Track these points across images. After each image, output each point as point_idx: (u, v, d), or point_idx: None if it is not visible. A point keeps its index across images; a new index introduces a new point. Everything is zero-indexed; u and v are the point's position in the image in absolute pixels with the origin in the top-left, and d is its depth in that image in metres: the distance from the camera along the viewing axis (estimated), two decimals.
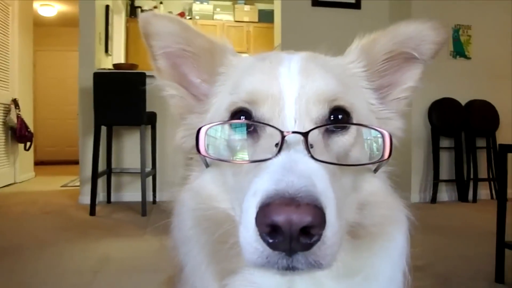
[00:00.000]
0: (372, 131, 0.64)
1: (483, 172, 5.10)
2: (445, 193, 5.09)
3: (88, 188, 4.51)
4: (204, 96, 0.75)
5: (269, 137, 0.60)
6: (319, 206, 0.49)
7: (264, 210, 0.49)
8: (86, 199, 4.54)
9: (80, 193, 4.83)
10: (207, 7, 8.76)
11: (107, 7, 5.76)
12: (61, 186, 6.03)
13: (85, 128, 4.77)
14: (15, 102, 6.12)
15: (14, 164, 6.27)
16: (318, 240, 0.49)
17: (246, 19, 8.74)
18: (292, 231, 0.48)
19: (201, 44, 0.75)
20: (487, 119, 5.07)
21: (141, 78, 4.17)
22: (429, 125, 5.00)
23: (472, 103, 5.07)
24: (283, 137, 0.57)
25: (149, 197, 4.60)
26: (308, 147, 0.56)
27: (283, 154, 0.55)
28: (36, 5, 8.00)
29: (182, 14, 8.79)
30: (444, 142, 5.07)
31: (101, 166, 4.50)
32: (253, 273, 0.64)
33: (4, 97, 5.93)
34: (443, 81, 4.77)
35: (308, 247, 0.49)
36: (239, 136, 0.64)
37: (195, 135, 0.64)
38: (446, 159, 5.10)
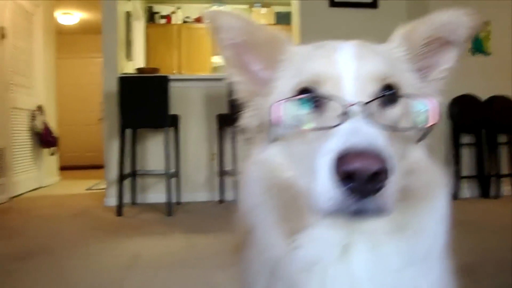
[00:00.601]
0: (419, 104, 0.75)
1: (504, 168, 5.09)
2: (467, 190, 5.08)
3: (113, 190, 4.63)
4: (265, 81, 0.84)
5: (333, 110, 0.69)
6: (384, 158, 0.59)
7: (341, 160, 0.59)
8: (111, 201, 4.66)
9: (106, 195, 4.93)
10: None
11: (127, 13, 5.89)
12: (86, 189, 6.16)
13: (109, 132, 4.89)
14: (40, 108, 6.28)
15: (40, 169, 6.43)
16: (384, 186, 0.59)
17: (263, 21, 8.82)
18: (364, 176, 0.58)
19: (262, 36, 0.84)
20: (507, 114, 5.06)
21: (164, 81, 4.28)
22: (449, 122, 5.02)
23: (492, 99, 5.06)
24: (346, 108, 0.67)
25: (173, 198, 4.69)
26: (368, 116, 0.66)
27: (347, 122, 0.65)
28: (56, 14, 8.18)
29: (199, 19, 8.91)
30: (465, 139, 5.07)
31: (126, 169, 4.61)
32: (318, 229, 0.73)
33: (29, 103, 6.09)
34: (463, 78, 4.76)
35: (376, 191, 0.59)
36: (306, 110, 0.73)
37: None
38: (467, 156, 5.10)
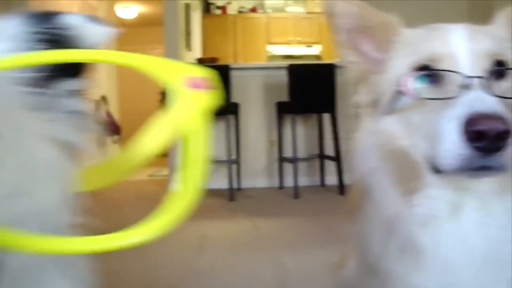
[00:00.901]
0: None
1: None
2: None
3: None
4: (377, 61, 0.92)
5: (451, 83, 0.78)
6: (508, 120, 0.68)
7: (470, 122, 0.69)
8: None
9: (170, 181, 5.12)
10: (279, 1, 8.91)
11: (186, 5, 6.05)
12: (149, 176, 6.41)
13: None
14: (104, 98, 6.58)
15: (105, 157, 6.72)
16: (507, 145, 0.68)
17: (317, 10, 8.79)
18: (492, 135, 0.67)
19: (375, 20, 0.92)
20: None
21: (226, 70, 4.39)
22: None
23: None
24: (466, 80, 0.75)
25: (234, 184, 4.81)
26: (485, 88, 0.74)
27: (469, 93, 0.74)
28: (115, 8, 8.47)
29: (254, 9, 9.00)
30: None
31: None
32: (432, 190, 0.81)
33: (94, 93, 6.37)
34: None
35: (500, 149, 0.68)
36: (425, 84, 0.82)
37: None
38: None
